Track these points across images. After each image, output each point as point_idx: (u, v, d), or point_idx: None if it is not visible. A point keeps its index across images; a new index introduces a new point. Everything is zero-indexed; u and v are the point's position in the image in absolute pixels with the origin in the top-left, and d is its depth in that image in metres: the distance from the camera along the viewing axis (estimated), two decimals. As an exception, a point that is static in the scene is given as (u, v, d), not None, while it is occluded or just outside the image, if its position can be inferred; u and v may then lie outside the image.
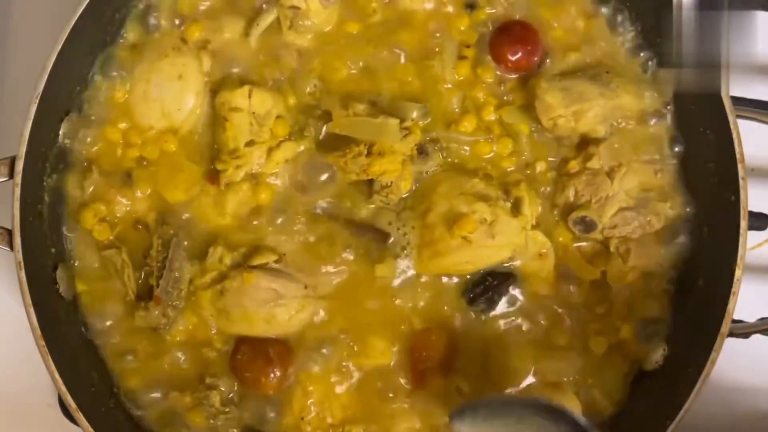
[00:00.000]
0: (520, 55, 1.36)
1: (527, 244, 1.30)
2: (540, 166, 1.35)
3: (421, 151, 1.32)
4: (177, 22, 1.38)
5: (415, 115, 1.33)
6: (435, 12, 1.39)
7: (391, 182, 1.30)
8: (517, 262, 1.31)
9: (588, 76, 1.34)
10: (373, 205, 1.32)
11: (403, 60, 1.37)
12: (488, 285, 1.31)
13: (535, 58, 1.37)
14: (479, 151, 1.35)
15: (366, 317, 1.31)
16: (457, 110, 1.36)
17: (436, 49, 1.38)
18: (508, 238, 1.28)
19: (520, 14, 1.39)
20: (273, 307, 1.27)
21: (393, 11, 1.39)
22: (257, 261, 1.29)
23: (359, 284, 1.32)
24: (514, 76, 1.38)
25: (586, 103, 1.32)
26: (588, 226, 1.32)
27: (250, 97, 1.31)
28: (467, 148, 1.35)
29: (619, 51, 1.39)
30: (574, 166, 1.34)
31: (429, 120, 1.34)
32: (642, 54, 1.38)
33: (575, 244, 1.34)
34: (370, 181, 1.31)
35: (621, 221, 1.32)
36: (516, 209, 1.29)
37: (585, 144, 1.35)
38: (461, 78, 1.37)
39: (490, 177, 1.34)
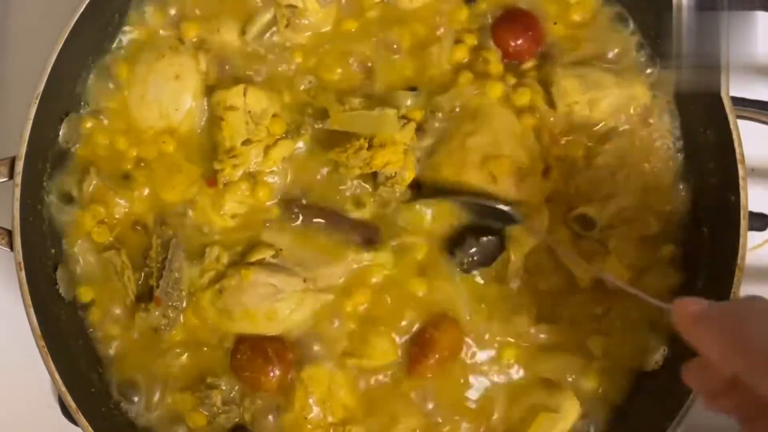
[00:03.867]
0: (521, 41, 1.36)
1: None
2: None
3: (418, 129, 1.31)
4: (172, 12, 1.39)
5: (409, 102, 1.32)
6: (433, 6, 1.38)
7: (395, 173, 1.29)
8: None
9: (601, 67, 1.35)
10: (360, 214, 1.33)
11: (400, 55, 1.36)
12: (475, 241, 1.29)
13: (537, 47, 1.37)
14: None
15: (367, 313, 1.31)
16: (448, 68, 1.35)
17: (436, 39, 1.37)
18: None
19: (523, 6, 1.38)
20: (273, 303, 1.27)
21: (391, 8, 1.38)
22: (254, 257, 1.29)
23: (360, 277, 1.31)
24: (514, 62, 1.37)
25: (602, 90, 1.32)
26: (587, 224, 1.31)
27: (245, 95, 1.30)
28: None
29: (621, 48, 1.38)
30: (577, 163, 1.33)
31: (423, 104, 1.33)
32: (642, 53, 1.38)
33: (574, 243, 1.33)
34: (374, 174, 1.31)
35: (620, 221, 1.31)
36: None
37: (587, 141, 1.35)
38: (458, 62, 1.36)
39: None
